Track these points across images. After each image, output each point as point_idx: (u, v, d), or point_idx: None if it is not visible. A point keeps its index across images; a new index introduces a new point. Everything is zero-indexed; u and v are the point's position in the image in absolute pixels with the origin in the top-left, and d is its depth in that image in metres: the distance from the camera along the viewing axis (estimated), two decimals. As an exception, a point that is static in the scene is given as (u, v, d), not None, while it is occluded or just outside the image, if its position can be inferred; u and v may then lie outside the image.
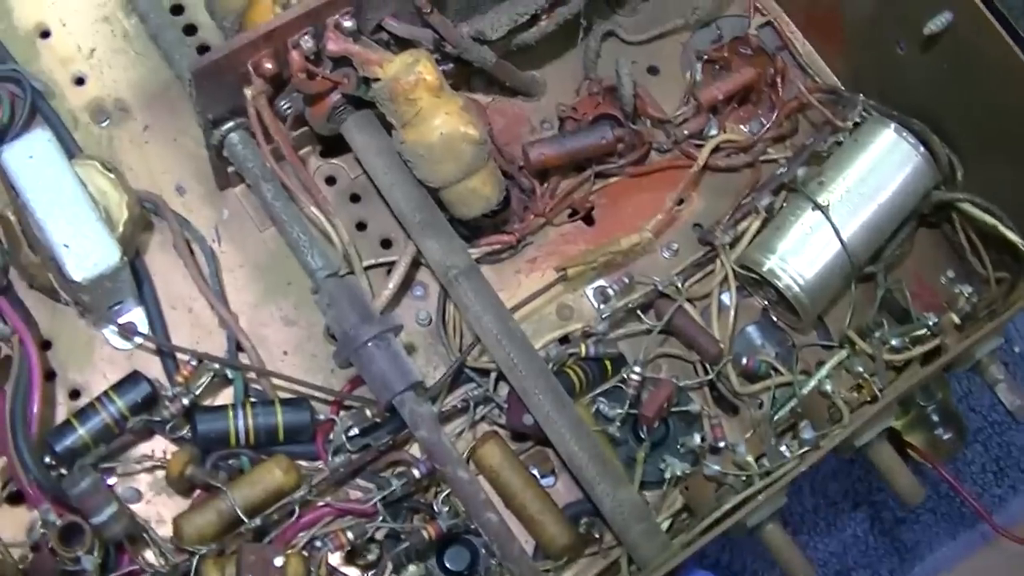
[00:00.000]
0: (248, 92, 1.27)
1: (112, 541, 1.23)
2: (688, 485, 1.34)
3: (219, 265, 1.40)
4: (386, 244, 1.45)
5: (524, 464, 1.35)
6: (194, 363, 1.31)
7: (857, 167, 1.45)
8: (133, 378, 1.30)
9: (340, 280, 1.31)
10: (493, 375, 1.37)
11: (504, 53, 1.43)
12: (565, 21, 1.46)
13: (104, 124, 1.45)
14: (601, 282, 1.46)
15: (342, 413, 1.34)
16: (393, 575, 1.29)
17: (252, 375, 1.35)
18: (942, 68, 1.42)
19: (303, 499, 1.28)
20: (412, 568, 1.29)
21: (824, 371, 1.38)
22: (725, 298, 1.45)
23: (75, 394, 1.34)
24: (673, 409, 1.39)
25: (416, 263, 1.40)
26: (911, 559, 1.94)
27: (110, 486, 1.29)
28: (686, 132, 1.52)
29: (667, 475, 1.36)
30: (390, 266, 1.41)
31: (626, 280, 1.44)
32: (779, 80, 1.56)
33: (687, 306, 1.43)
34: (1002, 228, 1.41)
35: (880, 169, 1.44)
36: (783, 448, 1.31)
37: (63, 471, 1.25)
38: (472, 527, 1.29)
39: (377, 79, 1.26)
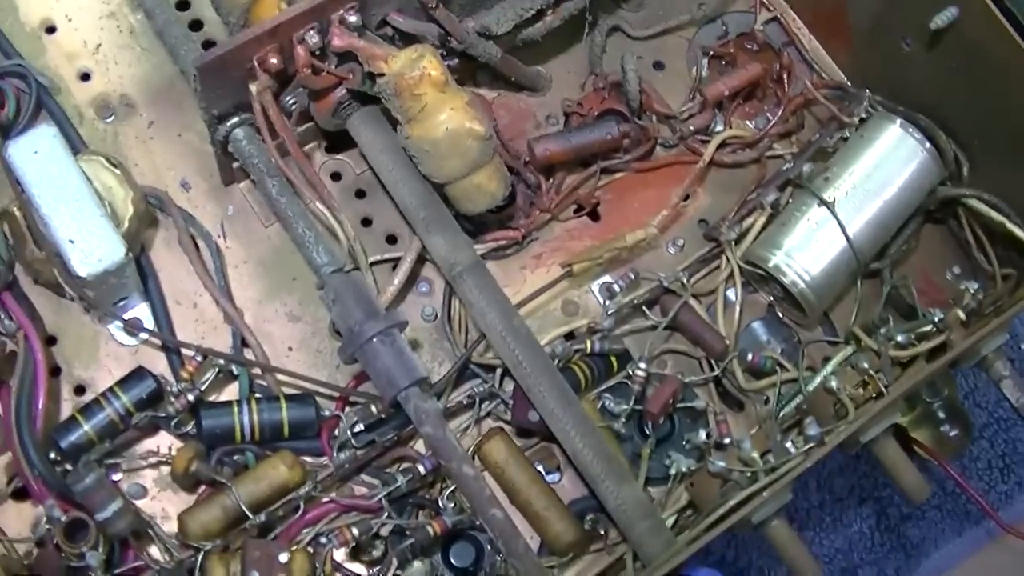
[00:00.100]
0: (253, 88, 1.27)
1: (117, 537, 1.23)
2: (693, 481, 1.34)
3: (224, 261, 1.40)
4: (391, 240, 1.45)
5: (529, 460, 1.35)
6: (199, 359, 1.31)
7: (863, 163, 1.44)
8: (138, 374, 1.30)
9: (345, 276, 1.31)
10: (498, 371, 1.37)
11: (509, 48, 1.43)
12: (571, 16, 1.46)
13: (109, 120, 1.45)
14: (607, 278, 1.46)
15: (347, 409, 1.35)
16: (398, 571, 1.29)
17: (257, 371, 1.35)
18: (948, 64, 1.42)
19: (308, 495, 1.28)
20: (417, 564, 1.29)
21: (829, 367, 1.38)
22: (731, 294, 1.45)
23: (80, 390, 1.35)
24: (678, 405, 1.39)
25: (421, 259, 1.40)
26: (917, 556, 1.94)
27: (115, 482, 1.30)
28: (692, 128, 1.52)
29: (672, 471, 1.36)
30: (395, 262, 1.41)
31: (631, 276, 1.44)
32: (785, 76, 1.55)
33: (693, 302, 1.43)
34: (1008, 224, 1.41)
35: (886, 165, 1.44)
36: (788, 444, 1.30)
37: (68, 467, 1.25)
38: (477, 523, 1.29)
39: (382, 74, 1.26)
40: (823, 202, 1.42)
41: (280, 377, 1.35)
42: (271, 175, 1.32)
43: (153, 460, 1.32)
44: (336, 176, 1.47)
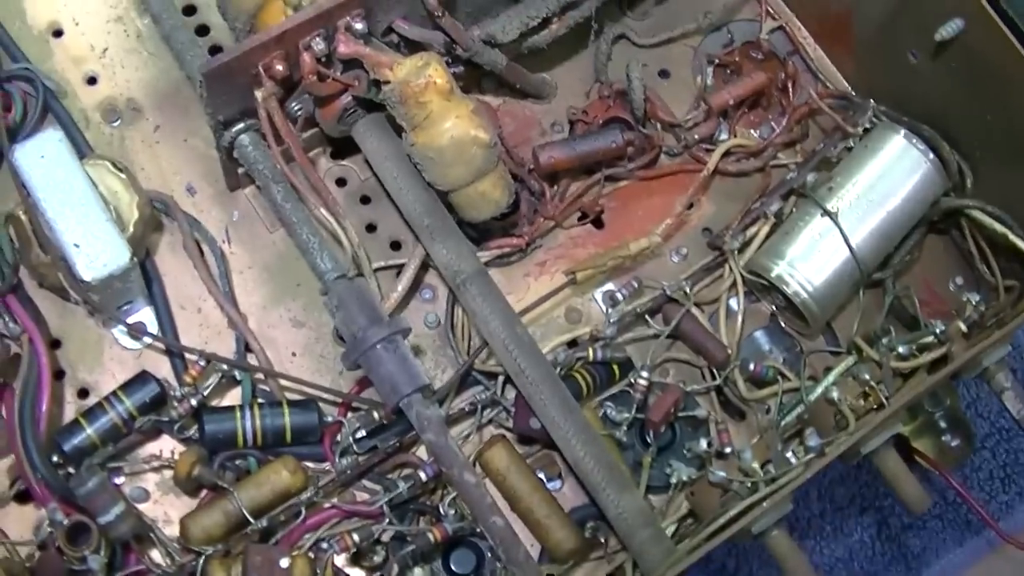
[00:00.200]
0: (259, 94, 1.28)
1: (119, 541, 1.24)
2: (694, 491, 1.34)
3: (228, 266, 1.40)
4: (396, 246, 1.45)
5: (531, 468, 1.35)
6: (202, 363, 1.31)
7: (867, 173, 1.44)
8: (141, 378, 1.30)
9: (349, 282, 1.31)
10: (501, 378, 1.37)
11: (515, 56, 1.43)
12: (576, 24, 1.46)
13: (116, 124, 1.45)
14: (610, 286, 1.46)
15: (350, 415, 1.35)
16: (398, 577, 1.30)
17: (260, 376, 1.36)
18: (953, 75, 1.42)
19: (310, 500, 1.29)
20: (418, 571, 1.29)
21: (831, 378, 1.38)
22: (733, 303, 1.45)
23: (84, 393, 1.35)
24: (680, 414, 1.39)
25: (425, 266, 1.41)
26: (918, 566, 1.94)
27: (117, 485, 1.30)
28: (696, 136, 1.52)
29: (673, 480, 1.36)
30: (399, 268, 1.41)
31: (634, 284, 1.44)
32: (790, 85, 1.55)
33: (695, 311, 1.43)
34: (1012, 236, 1.41)
35: (890, 176, 1.44)
36: (789, 454, 1.30)
37: (71, 470, 1.26)
38: (478, 530, 1.29)
39: (387, 82, 1.26)
40: (826, 212, 1.42)
41: (283, 382, 1.35)
42: (276, 181, 1.33)
43: (156, 464, 1.32)
44: (341, 182, 1.47)
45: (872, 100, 1.50)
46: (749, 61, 1.58)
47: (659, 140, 1.51)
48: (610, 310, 1.43)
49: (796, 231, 1.43)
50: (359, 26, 1.27)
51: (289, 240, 1.38)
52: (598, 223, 1.50)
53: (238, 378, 1.34)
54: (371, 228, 1.46)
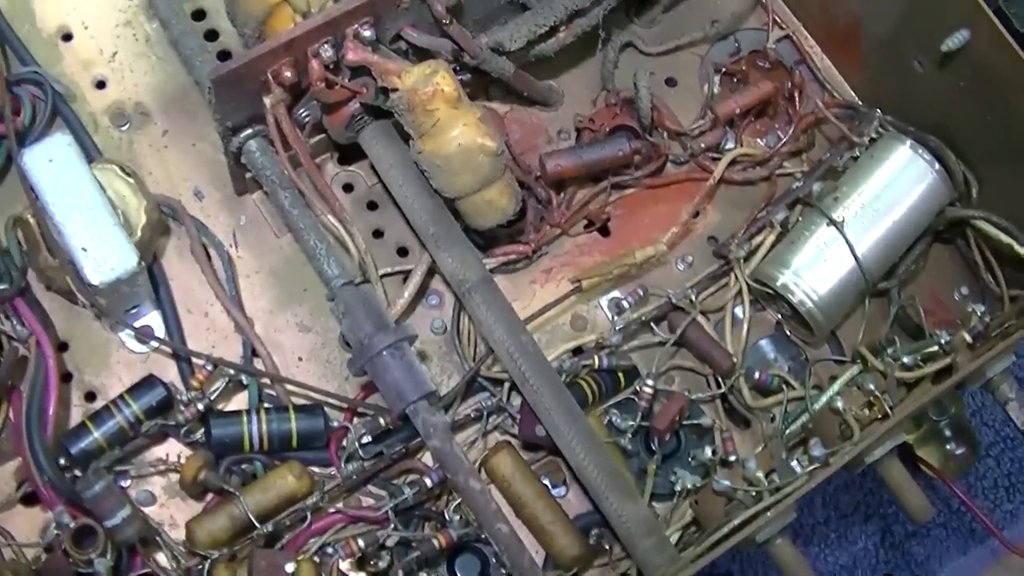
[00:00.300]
0: (267, 101, 1.28)
1: (125, 544, 1.24)
2: (698, 499, 1.34)
3: (235, 270, 1.41)
4: (402, 252, 1.46)
5: (536, 474, 1.36)
6: (209, 368, 1.32)
7: (872, 183, 1.45)
8: (148, 382, 1.31)
9: (355, 288, 1.31)
10: (506, 385, 1.38)
11: (522, 63, 1.44)
12: (584, 32, 1.46)
13: (124, 128, 1.45)
14: (615, 293, 1.47)
15: (356, 420, 1.35)
16: (403, 583, 1.30)
17: (266, 381, 1.36)
18: (959, 85, 1.42)
19: (315, 505, 1.29)
20: (422, 576, 1.30)
21: (836, 386, 1.38)
22: (739, 312, 1.46)
23: (91, 396, 1.36)
24: (685, 422, 1.39)
25: (432, 272, 1.41)
26: (922, 574, 1.94)
27: (124, 489, 1.30)
28: (703, 145, 1.53)
29: (678, 487, 1.36)
30: (406, 274, 1.41)
31: (640, 292, 1.44)
32: (796, 94, 1.56)
33: (701, 319, 1.44)
34: (1017, 247, 1.42)
35: (895, 185, 1.45)
36: (794, 463, 1.31)
37: (77, 473, 1.26)
38: (483, 536, 1.30)
39: (395, 89, 1.27)
40: (832, 222, 1.42)
41: (289, 387, 1.36)
42: (283, 187, 1.33)
43: (162, 468, 1.32)
44: (348, 188, 1.48)
45: (878, 110, 1.51)
46: (756, 70, 1.59)
47: (665, 148, 1.52)
48: (616, 318, 1.43)
49: (802, 240, 1.44)
50: (367, 33, 1.27)
51: (296, 245, 1.38)
52: (604, 231, 1.51)
53: (245, 382, 1.34)
54: (378, 234, 1.46)
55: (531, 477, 1.34)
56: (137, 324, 1.36)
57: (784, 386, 1.41)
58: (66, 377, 1.35)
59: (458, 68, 1.35)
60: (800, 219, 1.47)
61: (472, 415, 1.37)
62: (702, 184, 1.51)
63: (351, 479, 1.32)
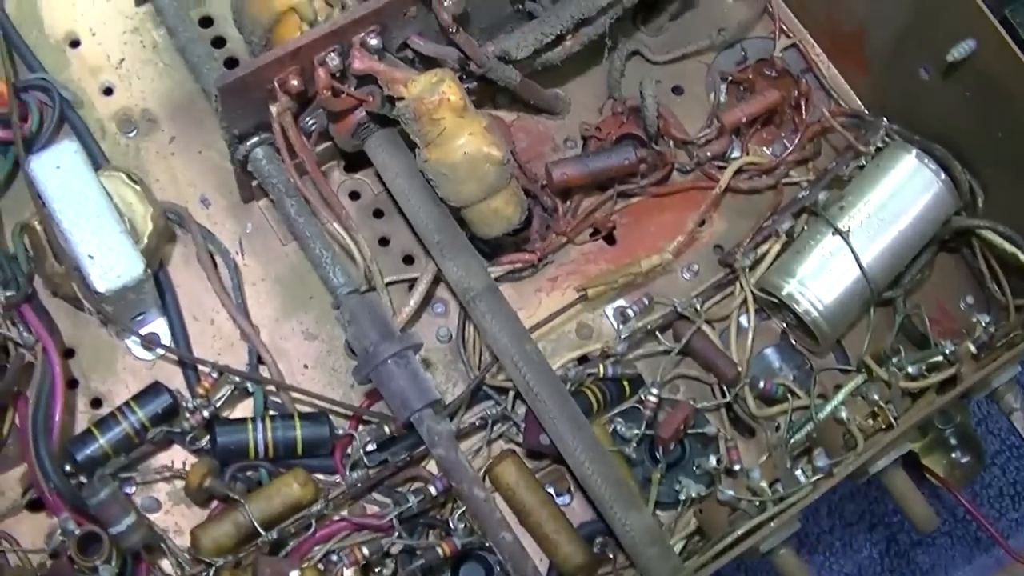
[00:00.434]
0: (274, 109, 1.28)
1: (130, 551, 1.24)
2: (702, 508, 1.34)
3: (241, 278, 1.41)
4: (408, 260, 1.46)
5: (540, 483, 1.36)
6: (215, 375, 1.32)
7: (878, 192, 1.45)
8: (154, 389, 1.31)
9: (361, 297, 1.31)
10: (511, 393, 1.38)
11: (529, 72, 1.44)
12: (590, 41, 1.46)
13: (131, 135, 1.46)
14: (621, 302, 1.47)
15: (360, 428, 1.35)
16: (407, 591, 1.30)
17: (272, 388, 1.36)
18: (965, 95, 1.42)
19: (320, 513, 1.29)
20: (427, 584, 1.30)
21: (840, 397, 1.38)
22: (744, 320, 1.45)
23: (97, 403, 1.36)
24: (690, 431, 1.39)
25: (437, 280, 1.41)
26: (926, 583, 1.95)
27: (129, 495, 1.31)
28: (709, 153, 1.53)
29: (682, 496, 1.37)
30: (412, 282, 1.42)
31: (645, 301, 1.44)
32: (803, 103, 1.56)
33: (706, 328, 1.44)
34: (1022, 256, 1.41)
35: (901, 195, 1.45)
36: (798, 472, 1.31)
37: (83, 479, 1.26)
38: (487, 545, 1.30)
39: (401, 98, 1.27)
40: (838, 231, 1.42)
41: (295, 395, 1.36)
42: (289, 195, 1.33)
43: (167, 475, 1.33)
44: (355, 195, 1.48)
45: (884, 119, 1.51)
46: (762, 78, 1.59)
47: (672, 157, 1.52)
48: (621, 326, 1.43)
49: (807, 249, 1.44)
50: (374, 42, 1.27)
51: (302, 253, 1.38)
52: (610, 239, 1.51)
53: (250, 390, 1.35)
54: (384, 242, 1.46)
55: (535, 485, 1.35)
56: (143, 331, 1.36)
57: (789, 395, 1.41)
58: (72, 384, 1.35)
59: (464, 76, 1.35)
60: (806, 228, 1.47)
61: (477, 423, 1.38)
62: (708, 193, 1.51)
63: (356, 487, 1.32)
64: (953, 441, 1.55)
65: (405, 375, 1.26)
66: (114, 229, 1.26)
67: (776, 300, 1.44)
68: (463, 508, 1.31)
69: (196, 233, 1.39)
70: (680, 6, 1.60)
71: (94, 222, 1.26)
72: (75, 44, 1.49)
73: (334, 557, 1.29)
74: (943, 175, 1.45)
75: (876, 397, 1.36)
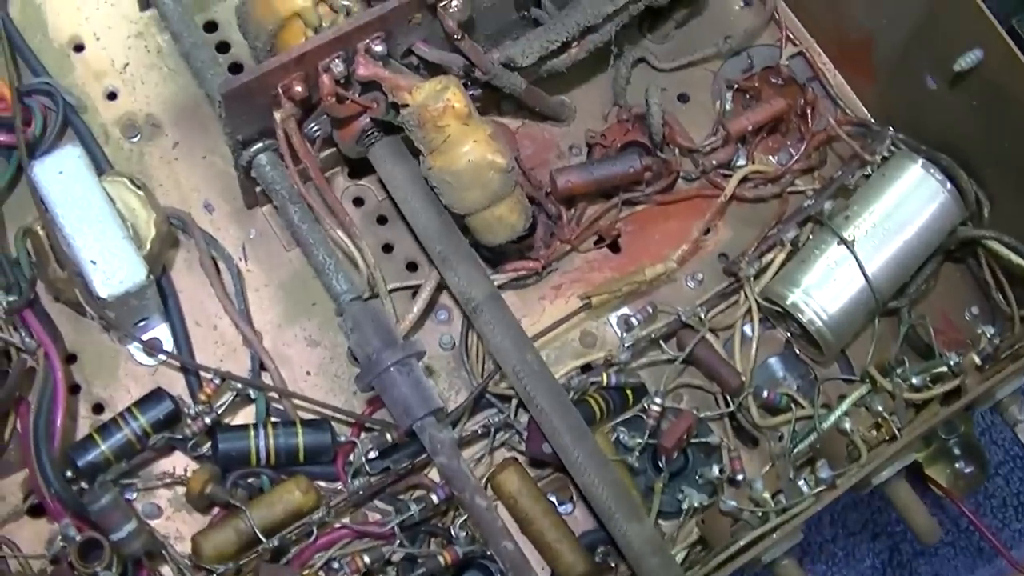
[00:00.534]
0: (278, 115, 1.28)
1: (131, 557, 1.24)
2: (704, 518, 1.34)
3: (244, 284, 1.41)
4: (412, 267, 1.46)
5: (542, 491, 1.36)
6: (217, 381, 1.32)
7: (884, 202, 1.44)
8: (156, 395, 1.31)
9: (364, 304, 1.31)
10: (514, 402, 1.37)
11: (534, 79, 1.43)
12: (596, 48, 1.46)
13: (135, 139, 1.45)
14: (625, 310, 1.46)
15: (363, 435, 1.35)
16: (408, 599, 1.30)
17: (274, 395, 1.36)
18: (971, 105, 1.42)
19: (321, 520, 1.29)
20: (428, 593, 1.30)
21: (843, 407, 1.38)
22: (748, 330, 1.45)
23: (98, 408, 1.35)
24: (693, 440, 1.39)
25: (441, 287, 1.41)
26: (929, 593, 1.94)
27: (130, 502, 1.30)
28: (714, 161, 1.52)
29: (685, 506, 1.36)
30: (415, 289, 1.41)
31: (649, 309, 1.44)
32: (809, 111, 1.55)
33: (710, 337, 1.43)
34: (1028, 268, 1.41)
35: (907, 205, 1.44)
36: (801, 483, 1.30)
37: (84, 485, 1.26)
38: (488, 553, 1.29)
39: (406, 105, 1.26)
40: (843, 240, 1.42)
41: (297, 402, 1.36)
42: (293, 201, 1.33)
43: (168, 481, 1.32)
44: (359, 201, 1.48)
45: (891, 128, 1.50)
46: (768, 87, 1.59)
47: (677, 165, 1.51)
48: (625, 335, 1.43)
49: (812, 259, 1.43)
50: (379, 48, 1.27)
51: (305, 259, 1.38)
52: (615, 247, 1.50)
53: (252, 396, 1.34)
54: (387, 248, 1.46)
55: (538, 494, 1.34)
56: (145, 337, 1.36)
57: (792, 405, 1.41)
58: (74, 389, 1.35)
59: (469, 83, 1.35)
60: (811, 237, 1.47)
61: (479, 431, 1.37)
62: (713, 201, 1.51)
63: (357, 494, 1.31)
64: (957, 451, 1.54)
65: (408, 382, 1.26)
66: (117, 234, 1.26)
67: (780, 309, 1.43)
68: (465, 516, 1.31)
69: (199, 239, 1.39)
70: (686, 14, 1.60)
71: (97, 227, 1.26)
72: (79, 48, 1.49)
73: (335, 565, 1.29)
74: (949, 185, 1.45)
75: (880, 408, 1.35)
